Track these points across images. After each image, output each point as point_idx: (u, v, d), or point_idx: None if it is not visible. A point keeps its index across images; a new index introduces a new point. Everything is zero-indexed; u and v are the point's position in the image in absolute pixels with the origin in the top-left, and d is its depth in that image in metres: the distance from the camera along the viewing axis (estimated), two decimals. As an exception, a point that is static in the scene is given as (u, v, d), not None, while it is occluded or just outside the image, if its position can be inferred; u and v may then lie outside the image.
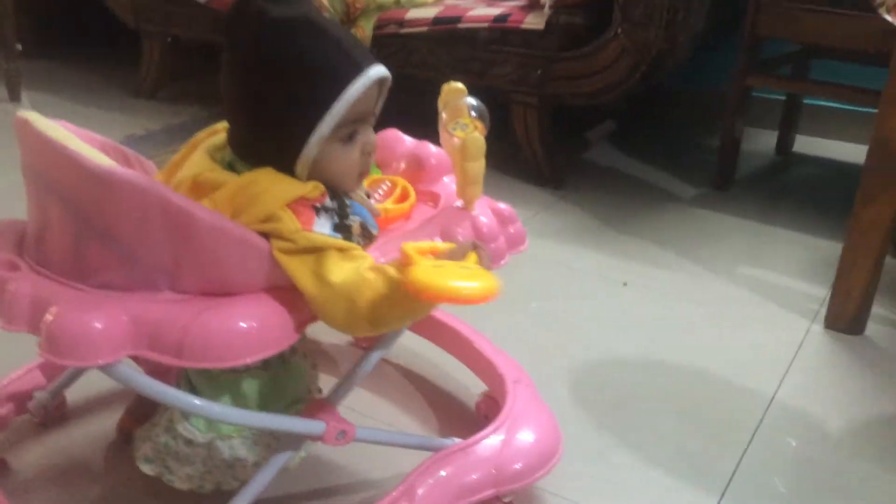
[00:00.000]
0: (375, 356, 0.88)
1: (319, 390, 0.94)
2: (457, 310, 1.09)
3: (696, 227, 1.75)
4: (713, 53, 2.13)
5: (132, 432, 0.91)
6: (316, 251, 0.74)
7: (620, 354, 1.28)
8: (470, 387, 1.14)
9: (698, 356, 1.28)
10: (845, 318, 1.33)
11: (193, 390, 0.84)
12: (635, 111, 2.40)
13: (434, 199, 0.95)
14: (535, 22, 1.78)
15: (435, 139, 0.97)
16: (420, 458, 0.89)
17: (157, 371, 0.82)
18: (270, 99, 0.76)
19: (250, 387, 0.83)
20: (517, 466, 0.90)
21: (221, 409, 0.79)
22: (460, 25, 1.85)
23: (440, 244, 0.79)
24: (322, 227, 0.76)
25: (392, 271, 0.75)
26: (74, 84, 2.56)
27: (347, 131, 0.78)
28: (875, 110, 1.27)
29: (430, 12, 1.92)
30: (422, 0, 2.00)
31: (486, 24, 1.82)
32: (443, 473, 0.87)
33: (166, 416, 0.85)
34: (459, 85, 0.88)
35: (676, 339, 1.33)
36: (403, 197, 0.94)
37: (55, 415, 1.06)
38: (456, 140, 0.86)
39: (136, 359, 0.78)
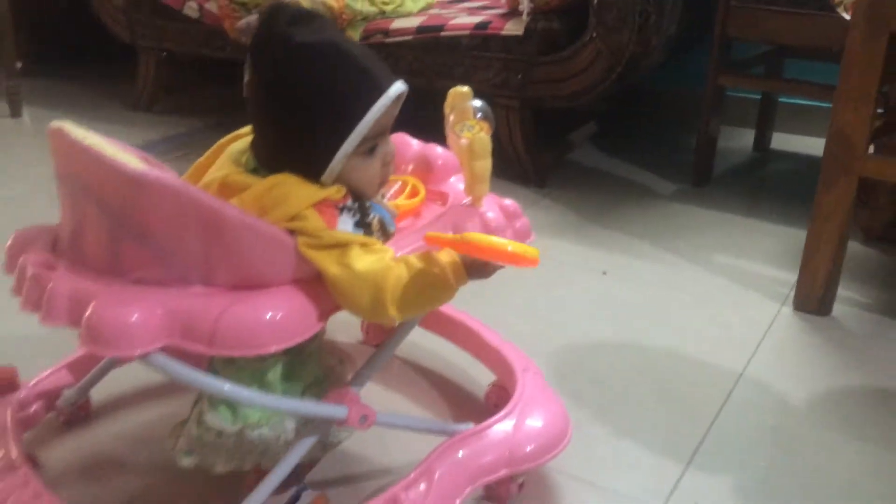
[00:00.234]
0: (391, 346, 0.92)
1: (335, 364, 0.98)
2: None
3: (674, 220, 1.82)
4: (690, 56, 2.20)
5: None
6: (340, 246, 0.78)
7: (598, 337, 1.34)
8: (478, 378, 1.18)
9: (672, 337, 1.33)
10: (812, 299, 1.39)
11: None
12: (617, 113, 2.46)
13: (442, 198, 0.99)
14: (514, 28, 1.84)
15: (427, 140, 1.02)
16: (433, 447, 0.92)
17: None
18: (297, 121, 0.79)
19: (273, 373, 0.86)
20: (529, 449, 0.94)
21: (250, 394, 0.82)
22: (443, 33, 1.92)
23: (466, 234, 0.83)
24: (344, 225, 0.80)
25: (413, 260, 0.79)
26: (73, 99, 2.62)
27: (369, 145, 0.82)
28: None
29: (414, 21, 2.00)
30: (406, 10, 2.09)
31: (467, 32, 1.89)
32: (460, 455, 0.91)
33: (196, 410, 0.88)
34: (465, 88, 0.92)
35: (651, 322, 1.38)
36: (413, 194, 0.98)
37: (80, 414, 1.09)
38: (463, 141, 0.90)
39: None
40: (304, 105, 0.78)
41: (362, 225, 0.81)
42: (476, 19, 1.92)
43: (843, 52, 1.26)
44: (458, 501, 0.89)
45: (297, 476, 0.90)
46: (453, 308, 1.17)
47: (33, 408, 1.01)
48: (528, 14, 1.83)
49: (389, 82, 0.81)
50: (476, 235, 0.78)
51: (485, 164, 0.91)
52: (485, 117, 0.91)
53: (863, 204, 1.69)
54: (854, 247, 1.65)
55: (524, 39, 1.83)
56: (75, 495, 0.96)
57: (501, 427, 0.95)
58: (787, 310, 1.42)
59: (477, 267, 0.79)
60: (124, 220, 0.76)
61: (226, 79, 2.18)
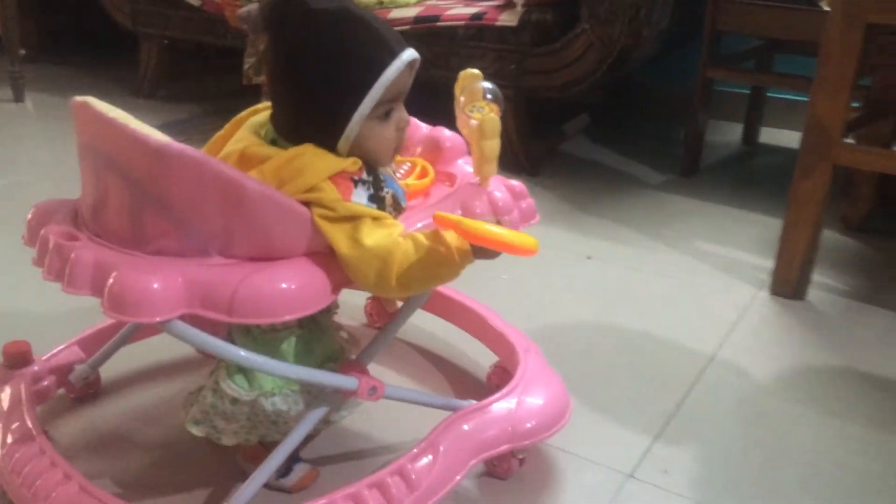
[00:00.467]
0: (398, 323, 0.95)
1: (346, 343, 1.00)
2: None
3: (660, 209, 1.85)
4: (684, 52, 2.24)
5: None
6: (353, 219, 0.80)
7: (580, 317, 1.37)
8: (480, 361, 1.20)
9: (651, 319, 1.37)
10: (788, 284, 1.42)
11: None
12: (610, 105, 2.49)
13: (450, 179, 1.00)
14: (508, 19, 1.88)
15: (432, 123, 1.05)
16: (433, 424, 0.93)
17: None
18: (315, 85, 0.82)
19: (288, 344, 0.88)
20: (529, 425, 0.96)
21: (266, 361, 0.83)
22: (439, 24, 1.95)
23: (467, 219, 0.82)
24: (359, 198, 0.82)
25: (421, 238, 0.81)
26: (76, 85, 2.65)
27: (384, 110, 0.84)
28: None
29: (411, 12, 2.04)
30: (404, 1, 2.13)
31: (463, 23, 1.92)
32: (465, 428, 0.93)
33: (212, 379, 0.90)
34: (475, 71, 0.93)
35: (632, 304, 1.42)
36: (423, 175, 0.99)
37: (89, 391, 1.11)
38: (473, 121, 0.91)
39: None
40: (321, 69, 0.81)
41: (376, 199, 0.84)
42: (472, 10, 1.96)
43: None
44: (462, 474, 0.91)
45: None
46: (456, 291, 1.20)
47: (46, 382, 1.04)
48: (523, 5, 1.87)
49: (402, 48, 0.84)
50: (479, 224, 0.80)
51: (494, 145, 0.92)
52: (494, 99, 0.93)
53: (843, 195, 1.75)
54: (834, 236, 1.69)
55: (518, 30, 1.87)
56: (84, 469, 0.96)
57: (504, 404, 0.97)
58: (764, 294, 1.45)
59: (484, 248, 0.80)
60: (146, 190, 0.78)
61: (226, 66, 2.22)
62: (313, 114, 0.84)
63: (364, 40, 0.82)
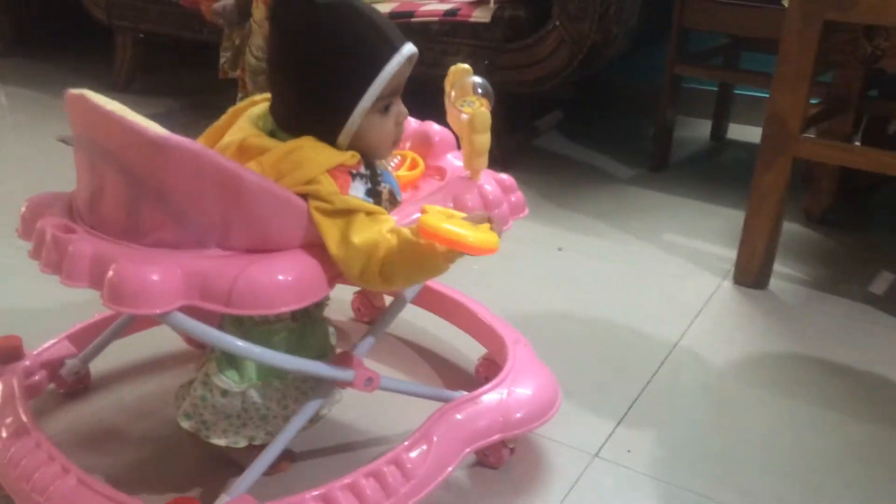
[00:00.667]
0: (390, 316, 0.96)
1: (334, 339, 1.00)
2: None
3: (630, 203, 1.88)
4: (653, 50, 2.28)
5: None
6: (348, 213, 0.80)
7: (548, 306, 1.40)
8: (467, 353, 1.21)
9: (617, 308, 1.40)
10: (750, 274, 1.45)
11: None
12: (582, 102, 2.52)
13: (440, 173, 1.00)
14: (481, 16, 1.88)
15: (420, 118, 1.05)
16: (423, 416, 0.94)
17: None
18: (318, 78, 0.82)
19: (280, 339, 0.89)
20: (520, 415, 0.97)
21: (262, 352, 0.83)
22: (414, 20, 1.95)
23: (458, 213, 0.82)
24: (356, 192, 0.82)
25: (407, 233, 0.80)
26: (50, 79, 2.60)
27: (384, 103, 0.85)
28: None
29: (386, 8, 2.03)
30: (379, -3, 2.16)
31: (437, 19, 1.92)
32: (458, 418, 0.93)
33: (203, 372, 0.90)
34: (465, 66, 0.93)
35: (600, 294, 1.45)
36: (413, 167, 1.00)
37: (79, 385, 1.10)
38: (464, 116, 0.91)
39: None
40: (323, 62, 0.82)
41: (373, 193, 0.84)
42: (445, 6, 1.97)
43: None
44: (455, 463, 0.92)
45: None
46: (443, 285, 1.21)
47: (37, 377, 1.03)
48: (496, 2, 1.89)
49: (402, 42, 0.84)
50: (430, 219, 0.78)
51: (484, 139, 0.92)
52: (485, 93, 0.93)
53: (805, 188, 1.80)
54: (796, 228, 1.74)
55: (491, 26, 1.88)
56: (76, 464, 0.96)
57: (495, 395, 0.97)
58: (728, 284, 1.48)
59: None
60: (144, 182, 0.77)
61: (202, 61, 2.23)
62: (315, 106, 0.84)
63: (366, 34, 0.82)
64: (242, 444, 0.91)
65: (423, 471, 0.88)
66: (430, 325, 1.27)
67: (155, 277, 0.74)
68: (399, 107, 0.88)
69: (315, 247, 0.82)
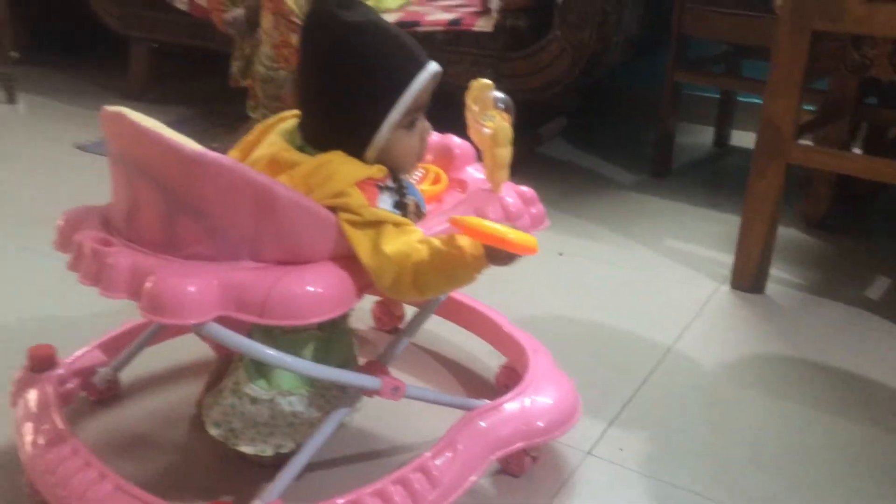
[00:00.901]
0: (416, 325, 0.97)
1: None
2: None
3: (631, 208, 1.90)
4: (656, 56, 2.31)
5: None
6: (376, 225, 0.81)
7: (548, 309, 1.40)
8: (487, 362, 1.22)
9: (615, 310, 1.40)
10: (747, 278, 1.46)
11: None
12: (586, 109, 2.52)
13: (462, 185, 1.01)
14: (484, 25, 1.91)
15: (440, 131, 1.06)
16: (446, 425, 0.94)
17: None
18: (347, 94, 0.84)
19: (307, 348, 0.90)
20: (541, 423, 0.97)
21: (294, 361, 0.84)
22: (419, 29, 1.97)
23: (473, 217, 0.84)
24: (384, 204, 0.84)
25: (437, 242, 0.81)
26: (67, 88, 2.65)
27: (410, 119, 0.86)
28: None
29: (391, 18, 2.05)
30: (385, 6, 2.19)
31: (441, 28, 1.95)
32: (482, 425, 0.94)
33: (232, 380, 0.91)
34: (487, 81, 0.93)
35: (599, 297, 1.46)
36: (436, 181, 1.00)
37: (109, 393, 1.11)
38: (486, 130, 0.92)
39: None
40: (353, 78, 0.84)
41: (400, 205, 0.86)
42: (450, 16, 2.00)
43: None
44: (480, 471, 0.92)
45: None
46: (464, 295, 1.22)
47: (70, 384, 1.03)
48: (498, 12, 1.93)
49: (427, 60, 0.86)
50: (482, 222, 0.80)
51: (506, 152, 0.93)
52: (505, 108, 0.94)
53: (803, 194, 1.82)
54: (794, 233, 1.75)
55: (494, 36, 1.90)
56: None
57: (517, 403, 0.98)
58: (725, 288, 1.49)
59: (496, 253, 0.80)
60: (181, 197, 0.79)
61: (214, 70, 2.27)
62: (344, 122, 0.85)
63: (394, 52, 0.84)
64: (269, 452, 0.92)
65: (449, 478, 0.89)
66: (450, 334, 1.28)
67: (192, 289, 0.75)
68: (423, 123, 0.90)
69: (344, 259, 0.83)
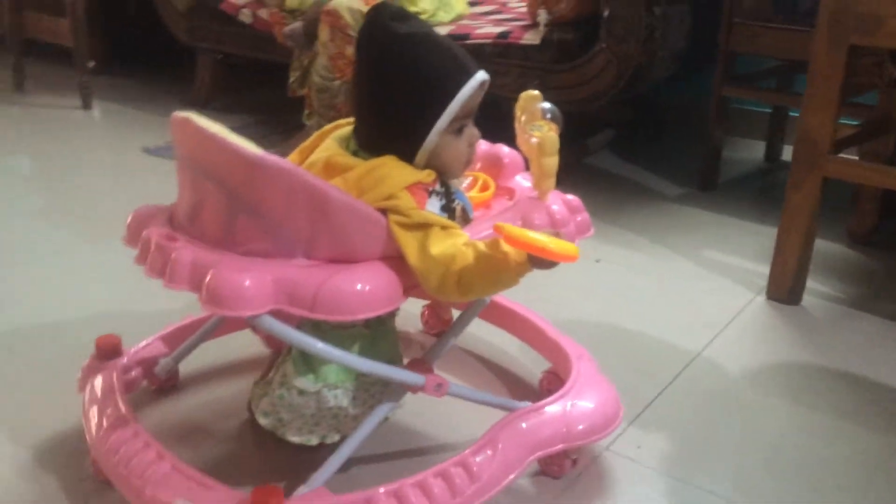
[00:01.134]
0: (460, 327, 0.99)
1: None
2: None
3: (673, 219, 1.89)
4: (708, 71, 2.33)
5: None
6: (424, 227, 0.83)
7: (580, 313, 1.42)
8: (532, 367, 1.23)
9: (648, 317, 1.41)
10: (782, 289, 1.45)
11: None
12: (637, 121, 2.51)
13: (510, 193, 1.03)
14: (532, 38, 1.94)
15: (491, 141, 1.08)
16: (487, 425, 0.96)
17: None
18: (398, 101, 0.87)
19: (354, 345, 0.92)
20: (582, 427, 0.98)
21: (343, 355, 0.87)
22: (468, 41, 2.01)
23: (513, 226, 0.84)
24: (432, 207, 0.86)
25: (482, 246, 0.83)
26: (138, 96, 2.77)
27: (458, 125, 0.89)
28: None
29: (443, 31, 2.11)
30: (438, 20, 2.26)
31: (490, 41, 1.98)
32: (522, 426, 0.95)
33: (280, 373, 0.93)
34: (535, 92, 0.95)
35: (632, 304, 1.47)
36: (484, 188, 1.02)
37: (169, 384, 1.15)
38: (534, 140, 0.94)
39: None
40: (404, 87, 0.87)
41: (448, 209, 0.88)
42: (499, 29, 2.02)
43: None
44: (519, 470, 0.93)
45: None
46: (509, 300, 1.24)
47: (133, 373, 1.08)
48: (546, 25, 1.98)
49: (476, 69, 0.88)
50: (523, 232, 0.82)
51: (553, 162, 0.95)
52: (553, 118, 0.96)
53: (851, 209, 1.81)
54: (838, 248, 1.72)
55: (541, 48, 1.93)
56: None
57: (558, 406, 0.99)
58: (761, 299, 1.48)
59: (538, 258, 0.82)
60: (241, 197, 0.82)
61: (274, 81, 2.38)
62: (395, 128, 0.88)
63: (442, 61, 0.87)
64: (315, 442, 0.95)
65: (489, 475, 0.90)
66: (496, 339, 1.30)
67: (248, 283, 0.79)
68: (472, 129, 0.92)
69: (392, 259, 0.85)
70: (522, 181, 1.05)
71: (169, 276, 0.82)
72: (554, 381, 1.14)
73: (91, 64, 2.62)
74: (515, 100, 0.98)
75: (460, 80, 0.87)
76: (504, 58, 2.02)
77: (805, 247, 1.44)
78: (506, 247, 0.83)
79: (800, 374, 1.29)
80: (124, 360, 1.08)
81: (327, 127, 0.98)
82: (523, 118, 0.97)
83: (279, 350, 1.02)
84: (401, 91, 0.87)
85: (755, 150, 2.36)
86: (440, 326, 1.35)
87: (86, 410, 1.00)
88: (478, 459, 0.91)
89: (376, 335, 0.95)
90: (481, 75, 0.89)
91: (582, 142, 2.36)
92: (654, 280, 1.60)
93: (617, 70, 1.89)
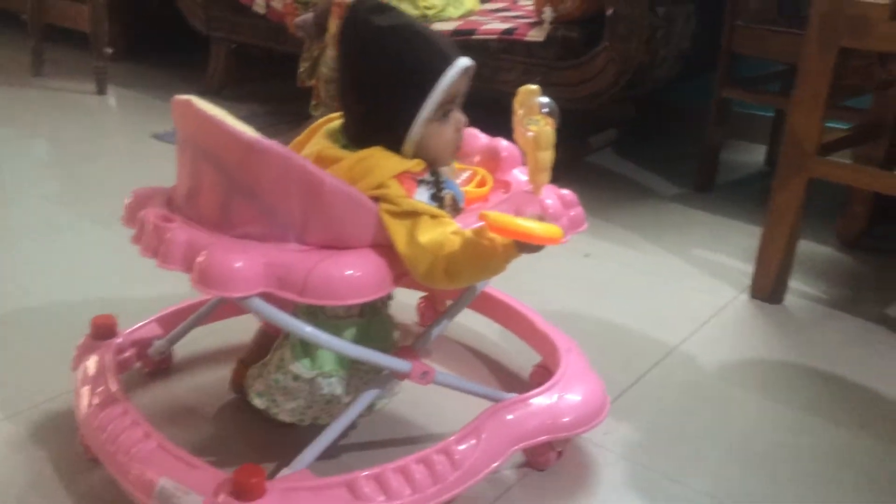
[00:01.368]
0: (450, 315, 0.99)
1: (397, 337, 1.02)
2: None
3: (667, 218, 1.88)
4: (712, 73, 2.35)
5: (244, 380, 1.00)
6: (413, 215, 0.84)
7: (565, 305, 1.42)
8: (523, 360, 1.23)
9: (631, 310, 1.42)
10: (765, 288, 1.44)
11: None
12: (640, 121, 2.52)
13: (506, 187, 1.03)
14: (536, 35, 1.94)
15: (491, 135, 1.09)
16: (476, 415, 0.96)
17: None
18: (382, 92, 0.88)
19: (348, 332, 0.92)
20: (567, 419, 0.98)
21: (329, 338, 0.87)
22: (474, 37, 2.01)
23: (495, 213, 0.85)
24: (421, 196, 0.87)
25: (469, 234, 0.83)
26: (154, 82, 2.80)
27: (443, 112, 0.89)
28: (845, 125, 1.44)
29: (450, 26, 2.12)
30: (447, 15, 2.30)
31: (495, 37, 1.99)
32: (507, 418, 0.95)
33: (277, 356, 0.94)
34: (533, 87, 0.95)
35: (617, 297, 1.48)
36: (482, 183, 1.02)
37: (162, 366, 1.15)
38: (530, 133, 0.94)
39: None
40: (387, 77, 0.87)
41: (437, 198, 0.88)
42: (504, 25, 2.01)
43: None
44: (502, 459, 0.94)
45: None
46: (501, 292, 1.24)
47: (127, 353, 1.09)
48: (551, 23, 1.99)
49: (457, 55, 0.88)
50: (505, 217, 0.81)
51: (547, 156, 0.95)
52: (550, 113, 0.96)
53: (840, 212, 1.82)
54: (826, 251, 1.71)
55: (545, 45, 1.93)
56: None
57: (545, 398, 0.99)
58: (745, 297, 1.47)
59: (525, 243, 0.82)
60: (237, 180, 0.83)
61: (286, 72, 2.42)
62: (381, 119, 0.88)
63: (424, 50, 0.87)
64: (307, 422, 0.96)
65: (471, 463, 0.90)
66: (490, 331, 1.31)
67: (239, 265, 0.79)
68: (457, 115, 0.92)
69: (382, 247, 0.85)
70: (520, 175, 1.04)
71: (163, 255, 0.82)
72: (544, 375, 1.14)
73: (109, 51, 2.65)
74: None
75: (442, 68, 0.87)
76: (509, 54, 2.05)
77: (789, 246, 1.45)
78: (493, 233, 0.83)
79: (774, 369, 1.29)
80: (119, 340, 1.08)
81: (319, 121, 0.98)
82: (521, 112, 0.97)
83: (274, 334, 1.03)
84: (384, 83, 0.88)
85: (757, 154, 2.36)
86: (436, 318, 1.37)
87: (78, 389, 1.00)
88: (461, 448, 0.91)
89: (370, 324, 0.95)
90: (463, 62, 0.89)
91: (585, 140, 2.40)
92: (642, 276, 1.60)
93: (619, 69, 1.90)
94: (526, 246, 0.82)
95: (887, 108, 1.61)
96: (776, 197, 1.42)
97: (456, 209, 0.92)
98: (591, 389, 1.04)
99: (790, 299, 1.50)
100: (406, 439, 1.07)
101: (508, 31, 2.03)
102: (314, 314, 0.92)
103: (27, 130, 2.38)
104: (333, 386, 0.93)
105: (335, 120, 0.97)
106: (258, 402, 0.96)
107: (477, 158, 1.08)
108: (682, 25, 1.95)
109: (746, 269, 1.58)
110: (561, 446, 1.02)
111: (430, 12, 2.20)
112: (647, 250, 1.72)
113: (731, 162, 2.16)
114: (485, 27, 2.07)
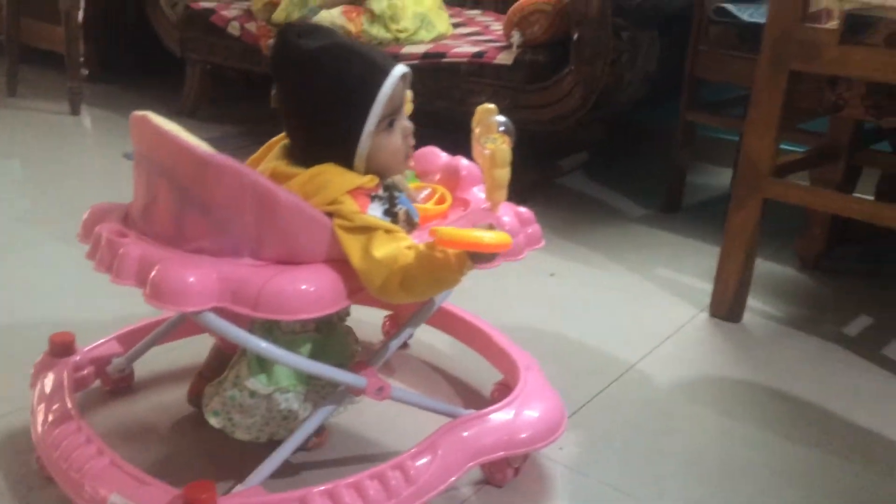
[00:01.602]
0: (407, 331, 1.00)
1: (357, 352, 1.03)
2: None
3: (632, 239, 1.88)
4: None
5: (202, 393, 0.99)
6: (367, 230, 0.84)
7: (525, 321, 1.43)
8: (484, 380, 1.23)
9: (592, 328, 1.44)
10: (724, 306, 1.46)
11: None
12: (610, 144, 2.54)
13: (465, 205, 1.04)
14: (505, 59, 1.96)
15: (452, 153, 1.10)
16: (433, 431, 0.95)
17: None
18: (323, 113, 0.88)
19: (304, 348, 0.92)
20: (524, 435, 0.98)
21: (284, 354, 0.87)
22: (445, 60, 2.04)
23: (444, 227, 0.86)
24: (374, 212, 0.87)
25: (422, 247, 0.84)
26: (126, 104, 2.69)
27: (388, 122, 0.90)
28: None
29: (421, 48, 2.15)
30: (419, 38, 2.33)
31: (465, 60, 2.01)
32: (464, 434, 0.95)
33: (233, 372, 0.93)
34: (491, 106, 0.97)
35: (579, 315, 1.49)
36: (441, 201, 1.03)
37: (122, 385, 1.15)
38: (487, 151, 0.95)
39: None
40: (327, 97, 0.88)
41: (390, 214, 0.89)
42: (475, 49, 2.06)
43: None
44: (457, 475, 0.94)
45: None
46: (462, 309, 1.25)
47: (85, 371, 1.08)
48: (518, 47, 2.03)
49: (391, 66, 0.89)
50: (454, 231, 0.82)
51: (504, 173, 0.96)
52: (507, 131, 0.97)
53: (799, 234, 1.86)
54: (786, 271, 1.74)
55: (513, 69, 1.96)
56: None
57: (502, 414, 0.99)
58: (704, 315, 1.49)
59: (478, 253, 0.82)
60: (191, 195, 0.83)
61: (260, 94, 2.46)
62: (327, 139, 0.89)
63: (358, 66, 0.88)
64: (264, 439, 0.95)
65: (426, 478, 0.90)
66: (452, 350, 1.31)
67: (192, 279, 0.79)
68: (403, 122, 0.93)
69: (337, 262, 0.86)
70: (479, 193, 1.05)
71: (116, 271, 0.82)
72: (505, 392, 1.14)
73: (86, 72, 2.67)
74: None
75: (379, 81, 0.88)
76: (478, 77, 2.08)
77: (746, 266, 1.48)
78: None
79: (730, 387, 1.31)
80: (77, 357, 1.08)
81: (274, 139, 0.99)
82: (478, 130, 0.98)
83: (225, 350, 1.03)
84: (323, 103, 0.88)
85: (723, 178, 2.39)
86: (396, 329, 1.38)
87: (34, 406, 0.99)
88: (416, 463, 0.91)
89: (327, 340, 0.95)
90: (399, 70, 0.90)
91: (556, 163, 2.43)
92: (603, 294, 1.62)
93: (584, 91, 1.94)
94: (479, 256, 0.83)
95: (843, 132, 1.65)
96: (732, 217, 1.45)
97: (411, 225, 0.93)
98: (549, 406, 1.05)
99: (749, 318, 1.52)
100: (362, 456, 1.07)
101: (478, 55, 2.07)
102: (270, 330, 0.92)
103: (1, 150, 2.36)
104: (290, 401, 0.93)
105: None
106: (214, 422, 0.95)
107: (437, 176, 1.09)
108: (647, 49, 1.99)
109: (707, 288, 1.60)
110: (518, 462, 1.03)
111: (402, 35, 2.24)
112: (611, 269, 1.74)
113: (698, 184, 2.20)
114: (455, 50, 2.11)
